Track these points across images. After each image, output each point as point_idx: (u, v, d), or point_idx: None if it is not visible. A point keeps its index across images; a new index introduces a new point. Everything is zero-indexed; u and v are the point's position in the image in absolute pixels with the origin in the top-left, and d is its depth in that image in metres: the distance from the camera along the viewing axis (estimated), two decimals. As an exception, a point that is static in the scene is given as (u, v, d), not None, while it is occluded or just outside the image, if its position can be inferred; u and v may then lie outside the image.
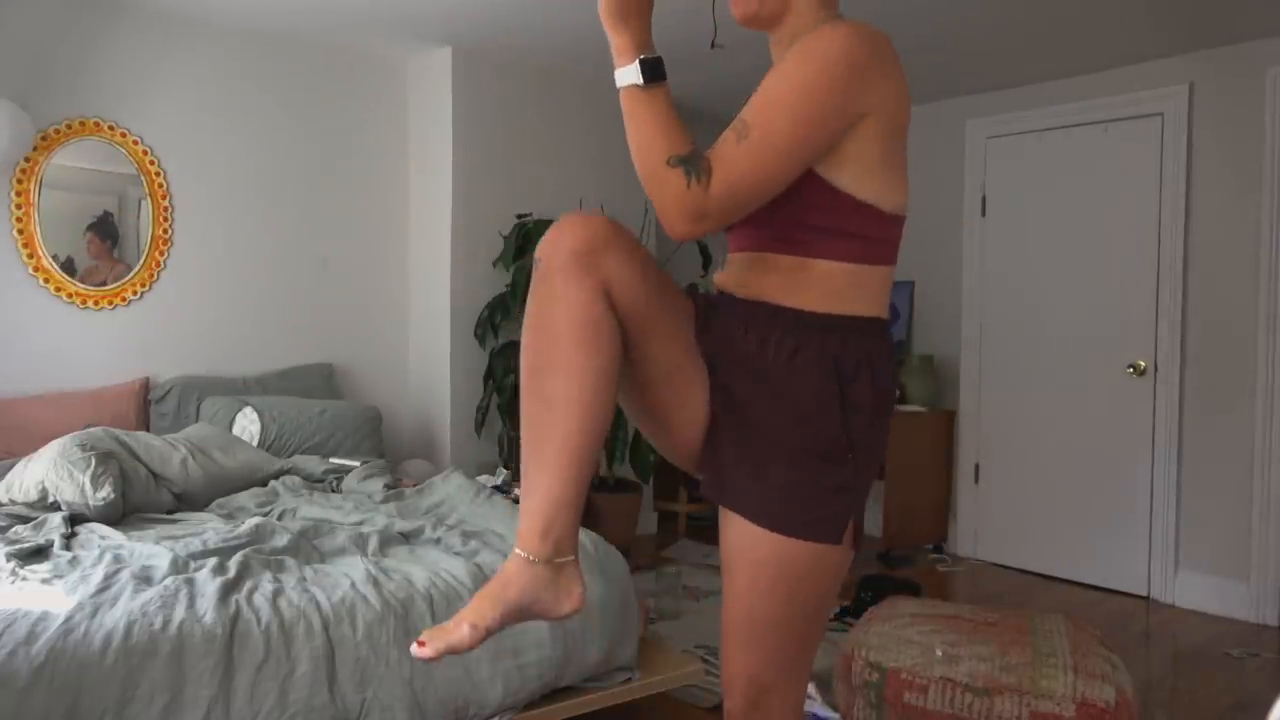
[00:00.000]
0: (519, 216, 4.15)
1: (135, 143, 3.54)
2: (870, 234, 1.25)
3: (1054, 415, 4.21)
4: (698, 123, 5.23)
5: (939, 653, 2.18)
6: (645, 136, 1.16)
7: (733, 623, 1.31)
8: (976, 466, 4.50)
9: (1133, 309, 3.95)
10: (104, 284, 3.48)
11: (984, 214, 4.47)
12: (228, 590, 1.96)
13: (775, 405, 1.24)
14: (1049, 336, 4.24)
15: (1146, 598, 3.90)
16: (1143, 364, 3.92)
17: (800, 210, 1.23)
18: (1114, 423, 4.01)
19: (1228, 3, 3.23)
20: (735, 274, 1.33)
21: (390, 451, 4.11)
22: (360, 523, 2.59)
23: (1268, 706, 2.73)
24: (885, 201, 1.24)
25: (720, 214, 1.15)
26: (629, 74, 1.16)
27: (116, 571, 2.04)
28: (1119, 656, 2.28)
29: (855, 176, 1.21)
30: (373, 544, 2.35)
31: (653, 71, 1.16)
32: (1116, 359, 4.01)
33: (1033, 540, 4.27)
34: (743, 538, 1.27)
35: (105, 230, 3.47)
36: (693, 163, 1.13)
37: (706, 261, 4.33)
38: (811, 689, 2.51)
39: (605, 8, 1.16)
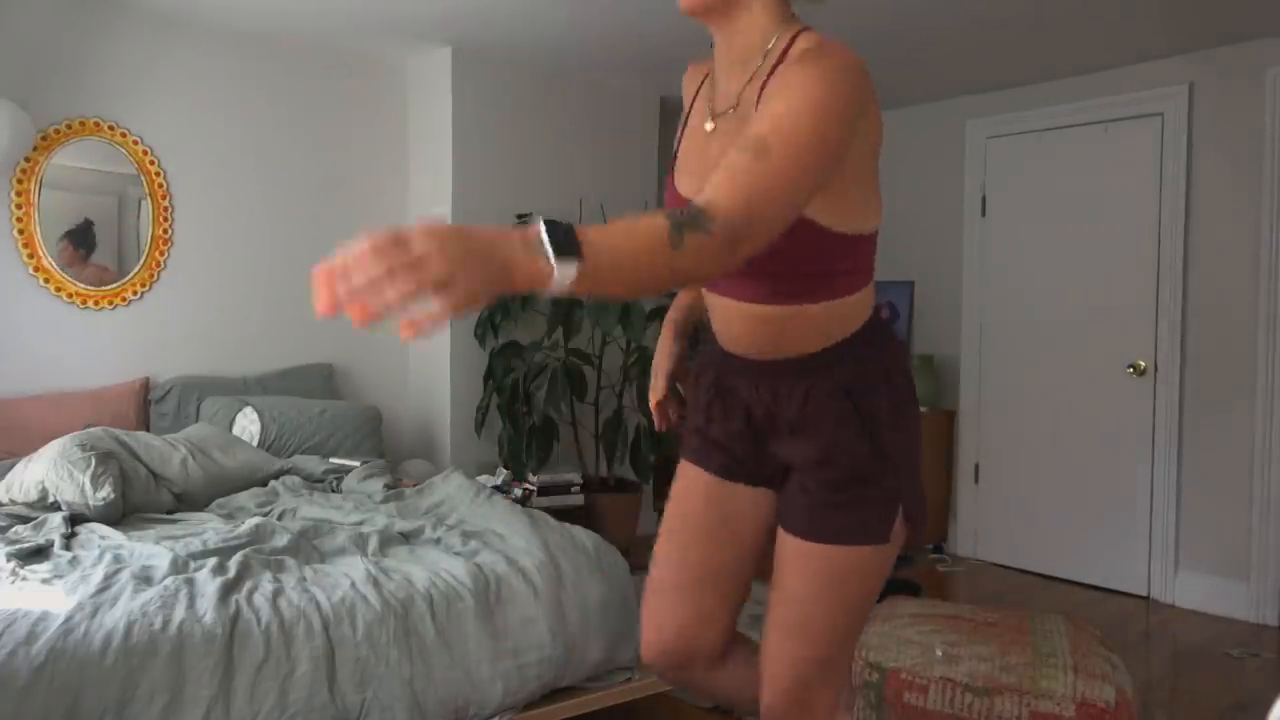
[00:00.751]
0: (519, 216, 4.15)
1: (135, 143, 3.54)
2: (861, 264, 1.29)
3: (1054, 415, 4.21)
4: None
5: (939, 653, 2.18)
6: (638, 270, 0.95)
7: (786, 620, 1.35)
8: (976, 466, 4.50)
9: (1133, 309, 3.95)
10: (96, 284, 3.48)
11: (984, 214, 4.47)
12: (228, 590, 1.96)
13: (806, 449, 1.31)
14: (1049, 336, 4.23)
15: (1146, 598, 3.90)
16: (1143, 364, 3.92)
17: (794, 260, 1.21)
18: (1114, 423, 4.01)
19: (1228, 3, 3.23)
20: (733, 333, 1.34)
21: (390, 451, 4.11)
22: (360, 523, 2.59)
23: (1268, 706, 2.72)
24: (868, 226, 1.27)
25: (749, 236, 1.01)
26: (562, 272, 0.86)
27: (116, 571, 2.04)
28: (1119, 656, 2.28)
29: (842, 212, 1.22)
30: (373, 544, 2.35)
31: (565, 242, 0.87)
32: (1116, 359, 4.01)
33: (1033, 540, 4.27)
34: (796, 544, 1.33)
35: (82, 239, 3.44)
36: (688, 222, 0.96)
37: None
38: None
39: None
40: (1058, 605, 3.75)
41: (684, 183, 1.30)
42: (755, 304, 1.27)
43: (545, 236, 0.85)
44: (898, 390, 1.32)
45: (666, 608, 1.46)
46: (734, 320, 1.32)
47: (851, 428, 1.28)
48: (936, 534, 4.58)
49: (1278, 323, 3.54)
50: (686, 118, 1.35)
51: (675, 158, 1.34)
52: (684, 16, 1.25)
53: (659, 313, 4.17)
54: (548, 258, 0.84)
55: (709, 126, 1.27)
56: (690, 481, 1.45)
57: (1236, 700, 2.83)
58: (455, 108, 4.01)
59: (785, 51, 1.19)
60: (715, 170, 1.03)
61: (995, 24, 3.50)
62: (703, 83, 1.35)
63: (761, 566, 1.46)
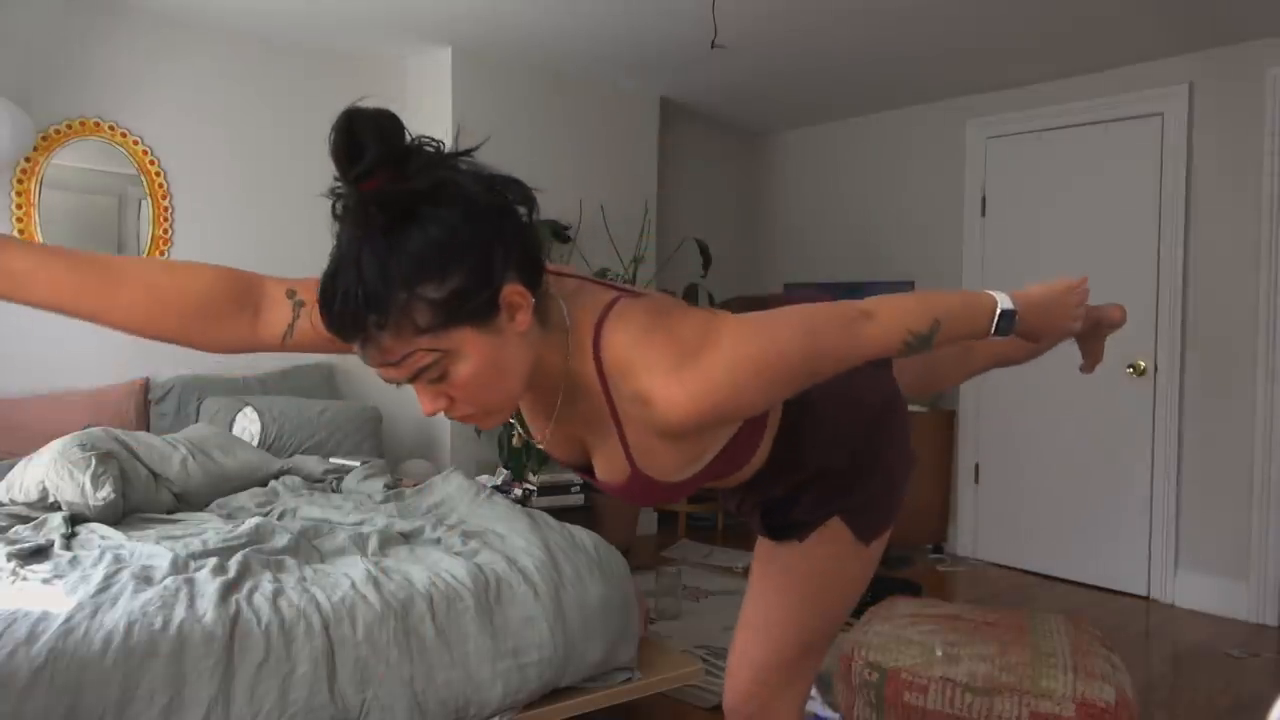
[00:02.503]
0: (519, 216, 4.15)
1: (135, 143, 3.54)
2: (766, 423, 1.22)
3: (1054, 415, 4.21)
4: (697, 123, 5.25)
5: (939, 653, 2.18)
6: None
7: (746, 620, 1.39)
8: (976, 466, 4.50)
9: (1133, 309, 3.91)
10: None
11: (984, 214, 4.47)
12: (228, 590, 1.96)
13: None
14: (1049, 336, 4.23)
15: (1146, 598, 3.90)
16: (1143, 364, 3.92)
17: (706, 480, 1.20)
18: (1114, 423, 4.01)
19: (1228, 3, 3.23)
20: None
21: (390, 451, 4.11)
22: (360, 523, 2.59)
23: (1268, 706, 2.72)
24: (756, 411, 1.13)
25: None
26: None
27: (116, 571, 2.04)
28: (1119, 656, 2.28)
29: (728, 434, 1.16)
30: (373, 544, 2.35)
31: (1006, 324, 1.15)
32: (1116, 359, 4.01)
33: (1032, 540, 4.27)
34: (760, 545, 1.39)
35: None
36: (920, 344, 1.07)
37: (707, 262, 4.33)
38: (811, 689, 2.51)
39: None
40: (1057, 605, 3.75)
41: (556, 455, 1.21)
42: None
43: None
44: (860, 456, 1.31)
45: (736, 649, 1.46)
46: None
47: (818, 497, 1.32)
48: (936, 534, 4.59)
49: (1277, 323, 3.54)
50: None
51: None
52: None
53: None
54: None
55: (547, 430, 1.13)
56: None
57: (1236, 700, 2.83)
58: (455, 108, 4.01)
59: (600, 374, 1.01)
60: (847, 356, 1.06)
61: (995, 24, 3.50)
62: None
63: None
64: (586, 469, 1.18)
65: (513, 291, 0.94)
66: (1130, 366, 3.95)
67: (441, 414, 0.98)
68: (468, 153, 0.98)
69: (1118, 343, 4.39)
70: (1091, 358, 1.72)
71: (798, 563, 1.34)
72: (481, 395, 0.96)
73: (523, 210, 0.97)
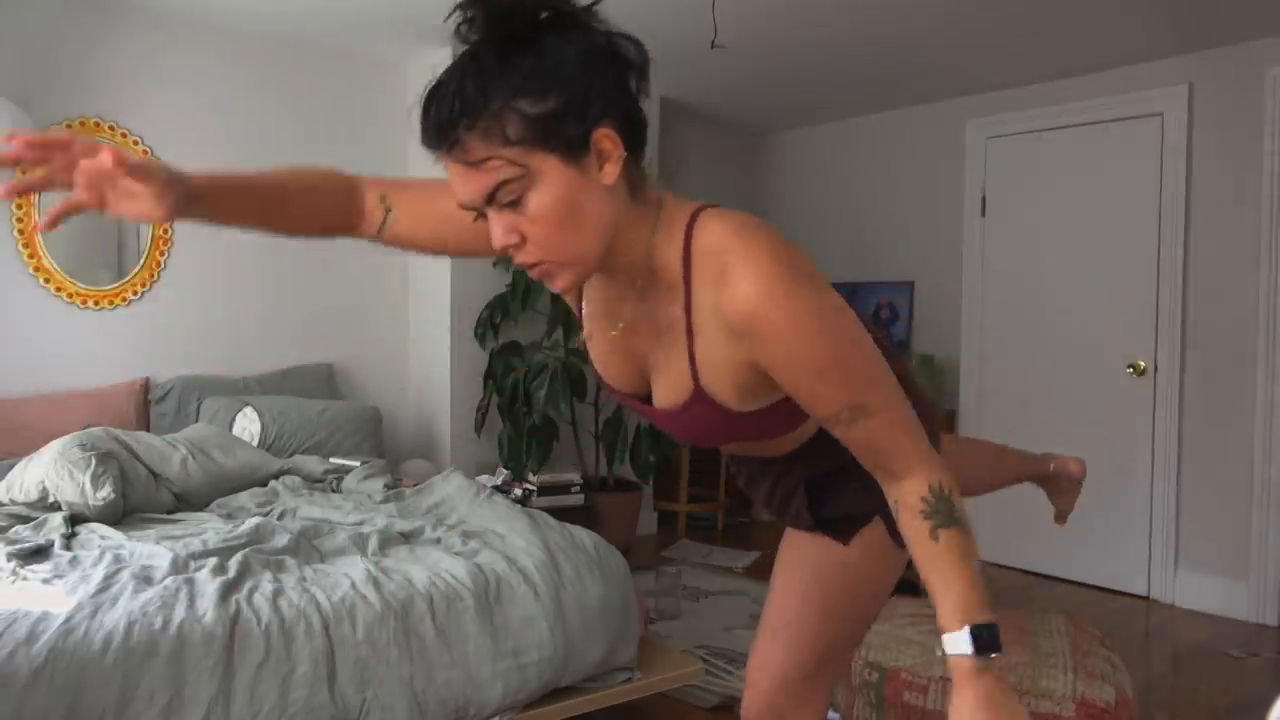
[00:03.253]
0: (519, 216, 4.15)
1: (135, 142, 3.54)
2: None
3: (1054, 415, 4.21)
4: (697, 123, 5.25)
5: (939, 652, 2.18)
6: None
7: (768, 622, 1.37)
8: (976, 466, 4.50)
9: (1133, 309, 3.95)
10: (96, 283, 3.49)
11: (984, 214, 4.47)
12: (228, 590, 1.96)
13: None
14: (1049, 336, 4.23)
15: (1146, 598, 3.90)
16: (1143, 364, 3.92)
17: (755, 431, 1.18)
18: (1114, 423, 4.01)
19: (1228, 3, 3.23)
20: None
21: (390, 451, 4.11)
22: (360, 523, 2.59)
23: (1268, 706, 2.72)
24: None
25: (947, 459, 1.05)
26: (959, 642, 0.98)
27: (116, 571, 2.04)
28: (1119, 656, 2.28)
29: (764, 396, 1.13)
30: (373, 544, 2.35)
31: (987, 643, 0.98)
32: (1116, 359, 4.01)
33: (1032, 540, 4.27)
34: (787, 541, 1.39)
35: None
36: (940, 509, 0.99)
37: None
38: (832, 697, 2.51)
39: None
40: (1057, 605, 3.75)
41: (606, 372, 1.21)
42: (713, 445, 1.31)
43: (986, 660, 0.98)
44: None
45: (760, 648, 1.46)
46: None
47: (802, 505, 1.33)
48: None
49: (1278, 323, 3.54)
50: (581, 315, 1.23)
51: (583, 329, 1.25)
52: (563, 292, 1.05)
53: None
54: (994, 660, 0.99)
55: (623, 324, 1.12)
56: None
57: (1236, 700, 2.83)
58: (455, 108, 4.00)
59: (686, 254, 1.01)
60: (869, 458, 1.03)
61: (995, 24, 3.50)
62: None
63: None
64: (642, 398, 1.17)
65: (605, 136, 0.93)
66: (1130, 366, 3.95)
67: (510, 256, 0.98)
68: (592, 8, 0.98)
69: (1118, 342, 4.39)
70: (1062, 509, 1.87)
71: (829, 566, 1.32)
72: (554, 239, 0.94)
73: (636, 77, 0.97)
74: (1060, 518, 1.81)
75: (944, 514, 0.97)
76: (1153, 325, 3.89)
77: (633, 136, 0.96)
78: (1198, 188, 3.77)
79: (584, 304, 1.19)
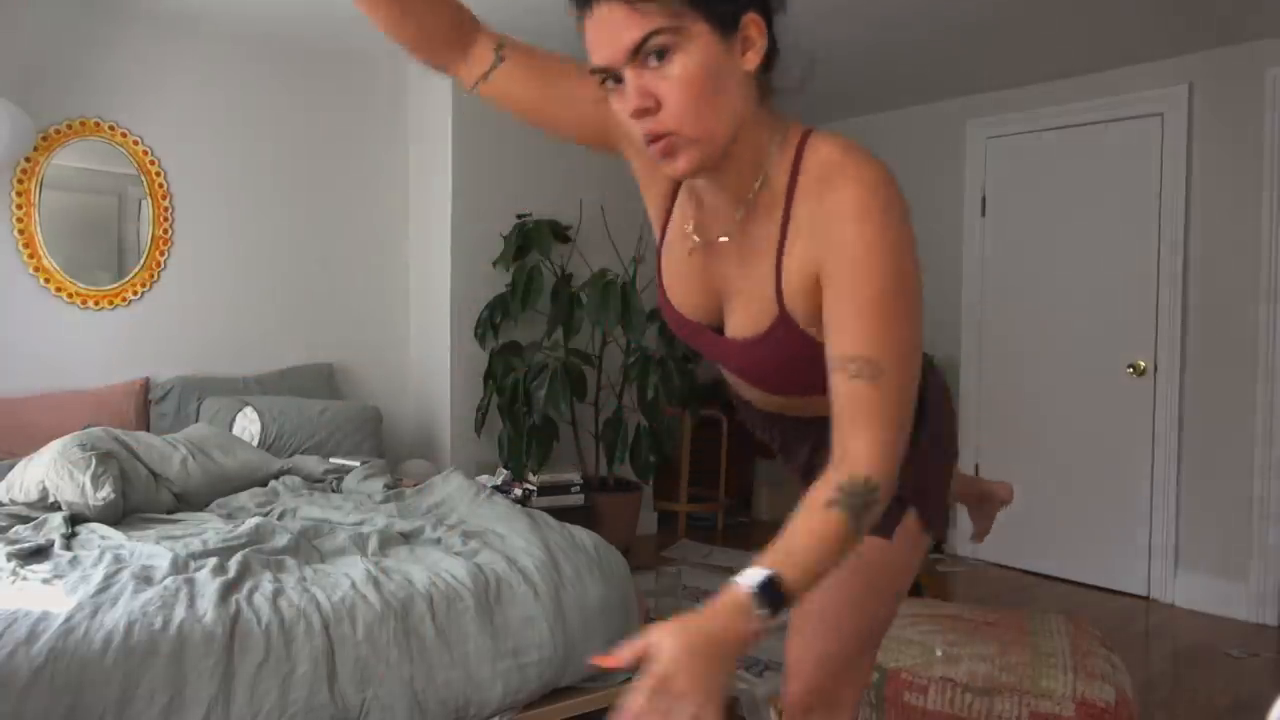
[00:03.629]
0: (519, 216, 4.15)
1: (135, 143, 3.54)
2: None
3: (1054, 415, 4.21)
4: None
5: (939, 652, 2.18)
6: (828, 569, 0.97)
7: (810, 612, 1.35)
8: (976, 466, 4.50)
9: (1132, 309, 3.95)
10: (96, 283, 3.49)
11: (984, 214, 4.47)
12: (228, 590, 1.96)
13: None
14: (1049, 336, 4.23)
15: (1146, 598, 3.90)
16: (1142, 364, 3.92)
17: (812, 371, 1.12)
18: (1114, 423, 4.01)
19: (1228, 3, 3.23)
20: (748, 396, 1.35)
21: (390, 451, 4.11)
22: (360, 523, 2.59)
23: (1268, 706, 2.72)
24: None
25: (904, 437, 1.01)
26: (778, 621, 0.93)
27: (117, 571, 2.04)
28: (1119, 656, 2.28)
29: None
30: (373, 544, 2.35)
31: (779, 600, 0.91)
32: (1116, 359, 4.01)
33: (1032, 540, 4.27)
34: None
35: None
36: (862, 506, 0.96)
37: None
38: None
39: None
40: (1057, 605, 3.75)
41: (680, 301, 1.20)
42: (764, 393, 1.28)
43: (761, 610, 0.90)
44: (919, 429, 1.30)
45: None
46: (744, 390, 1.35)
47: None
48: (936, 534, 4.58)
49: (1277, 323, 3.54)
50: (668, 211, 1.20)
51: (660, 257, 1.22)
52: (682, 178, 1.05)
53: (658, 314, 4.17)
54: (764, 619, 0.91)
55: (715, 241, 1.12)
56: None
57: (1236, 700, 2.83)
58: (455, 108, 4.01)
59: (795, 172, 1.03)
60: (852, 412, 0.97)
61: (995, 24, 3.50)
62: (675, 191, 1.18)
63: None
64: (712, 330, 1.17)
65: (753, 22, 0.96)
66: (1130, 366, 3.95)
67: (635, 125, 0.97)
68: None
69: (1118, 343, 4.39)
70: (981, 529, 1.84)
71: (863, 558, 1.30)
72: (690, 108, 0.94)
73: None
74: (978, 536, 1.89)
75: (852, 503, 0.95)
76: (1153, 325, 3.89)
77: (771, 43, 1.00)
78: (1198, 188, 3.77)
79: (673, 211, 1.18)
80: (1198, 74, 3.75)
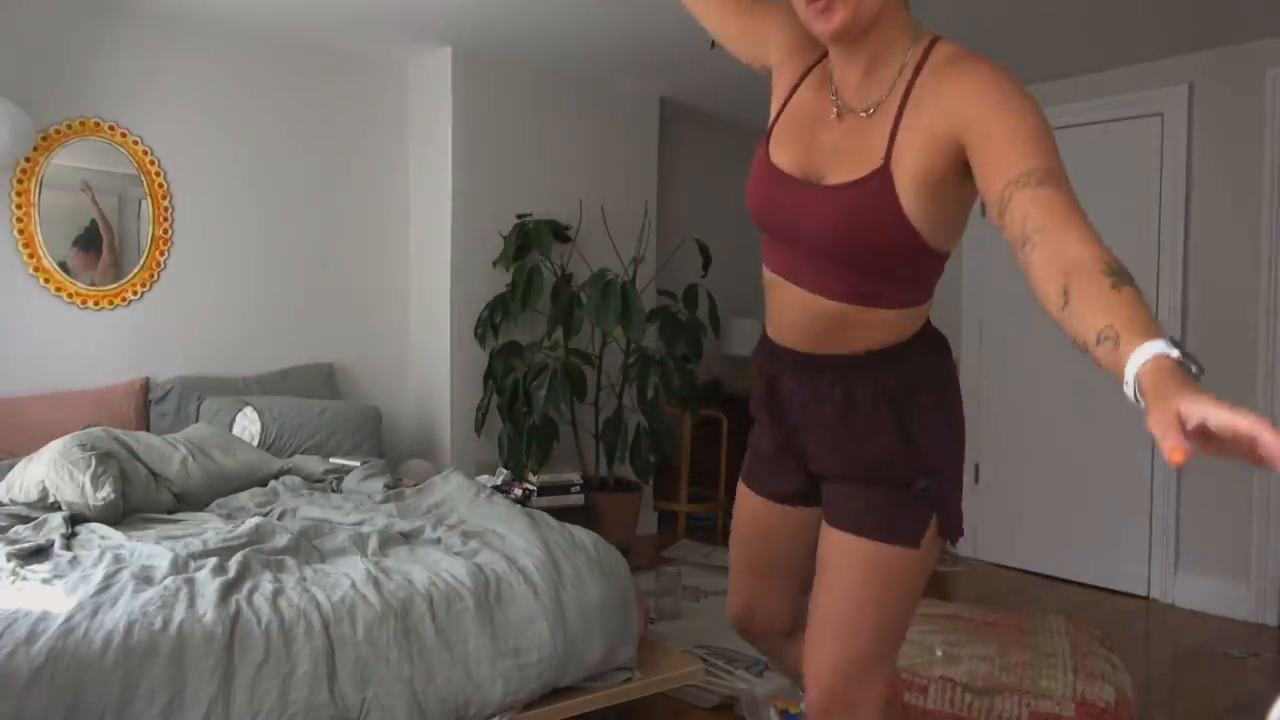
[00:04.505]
0: (519, 216, 4.15)
1: (135, 143, 3.54)
2: (935, 278, 1.35)
3: (1053, 415, 4.21)
4: (697, 123, 5.25)
5: (939, 652, 2.19)
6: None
7: (826, 618, 1.37)
8: (976, 466, 4.50)
9: (1133, 309, 3.95)
10: (94, 284, 3.49)
11: (984, 214, 4.46)
12: (228, 590, 1.96)
13: (840, 451, 1.36)
14: (1048, 336, 4.23)
15: (1146, 598, 3.90)
16: (1143, 364, 3.92)
17: (892, 266, 1.25)
18: (1114, 423, 4.01)
19: (1228, 3, 3.23)
20: (788, 320, 1.36)
21: (390, 451, 4.11)
22: (360, 523, 2.59)
23: (1268, 706, 2.72)
24: (953, 247, 1.31)
25: None
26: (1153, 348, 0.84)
27: (117, 571, 2.04)
28: (1118, 656, 2.28)
29: (946, 231, 1.25)
30: (373, 544, 2.35)
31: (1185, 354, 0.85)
32: (1116, 359, 4.01)
33: (1032, 540, 4.27)
34: (837, 539, 1.37)
35: (89, 242, 3.45)
36: (1121, 270, 0.93)
37: (707, 263, 4.33)
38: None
39: None
40: (1057, 605, 3.75)
41: (781, 158, 1.31)
42: (826, 299, 1.28)
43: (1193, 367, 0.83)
44: (945, 401, 1.35)
45: (735, 585, 1.61)
46: (793, 308, 1.34)
47: (886, 431, 1.31)
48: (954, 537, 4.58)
49: (1277, 323, 3.54)
50: (793, 92, 1.34)
51: (772, 129, 1.34)
52: (826, 42, 1.23)
53: (658, 314, 4.18)
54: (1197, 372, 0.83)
55: (833, 115, 1.27)
56: (742, 500, 1.57)
57: (1236, 700, 2.83)
58: (455, 108, 4.01)
59: (921, 63, 1.20)
60: (1050, 213, 0.99)
61: (994, 24, 3.50)
62: (814, 64, 1.34)
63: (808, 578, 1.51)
64: (805, 182, 1.25)
65: None
66: (1130, 366, 3.95)
67: None
68: None
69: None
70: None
71: (882, 555, 1.33)
72: None
73: None
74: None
75: (1122, 276, 0.91)
76: (1153, 325, 3.89)
77: None
78: (1198, 188, 3.78)
79: (798, 89, 1.33)
80: (1198, 74, 3.75)
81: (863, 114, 1.22)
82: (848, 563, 1.34)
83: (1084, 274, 0.92)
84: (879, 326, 1.30)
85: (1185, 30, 3.53)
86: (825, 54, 1.32)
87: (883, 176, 1.17)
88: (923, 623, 2.37)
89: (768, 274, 1.38)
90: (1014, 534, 4.35)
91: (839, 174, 1.22)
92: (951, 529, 1.35)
